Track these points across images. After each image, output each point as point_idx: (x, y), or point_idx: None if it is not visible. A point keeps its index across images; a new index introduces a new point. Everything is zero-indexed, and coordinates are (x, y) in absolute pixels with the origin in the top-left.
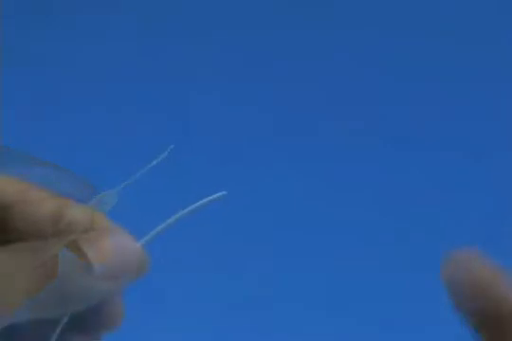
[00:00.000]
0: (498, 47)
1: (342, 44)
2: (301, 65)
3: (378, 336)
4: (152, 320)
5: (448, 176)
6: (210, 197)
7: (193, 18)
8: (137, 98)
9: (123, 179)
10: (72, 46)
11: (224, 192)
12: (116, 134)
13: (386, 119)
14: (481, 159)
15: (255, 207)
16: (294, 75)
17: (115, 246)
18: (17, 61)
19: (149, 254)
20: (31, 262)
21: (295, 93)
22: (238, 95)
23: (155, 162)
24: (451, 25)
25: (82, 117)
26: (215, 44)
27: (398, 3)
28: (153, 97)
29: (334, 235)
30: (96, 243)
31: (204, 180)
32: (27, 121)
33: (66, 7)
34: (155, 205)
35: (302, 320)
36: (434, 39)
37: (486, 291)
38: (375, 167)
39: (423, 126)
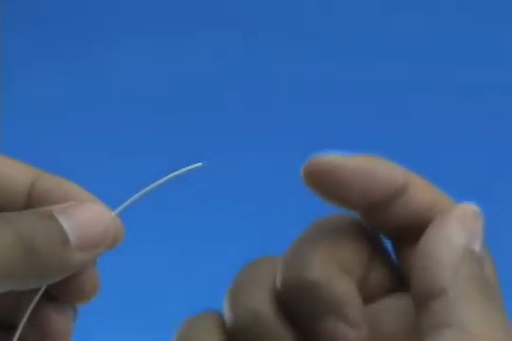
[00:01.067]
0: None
1: None
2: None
3: None
4: None
5: None
6: (186, 167)
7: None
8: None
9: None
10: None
11: (200, 163)
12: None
13: None
14: None
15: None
16: None
17: (90, 216)
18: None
19: (124, 223)
20: (5, 234)
21: None
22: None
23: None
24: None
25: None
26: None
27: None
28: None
29: None
30: (70, 214)
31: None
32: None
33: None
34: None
35: None
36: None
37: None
38: None
39: None
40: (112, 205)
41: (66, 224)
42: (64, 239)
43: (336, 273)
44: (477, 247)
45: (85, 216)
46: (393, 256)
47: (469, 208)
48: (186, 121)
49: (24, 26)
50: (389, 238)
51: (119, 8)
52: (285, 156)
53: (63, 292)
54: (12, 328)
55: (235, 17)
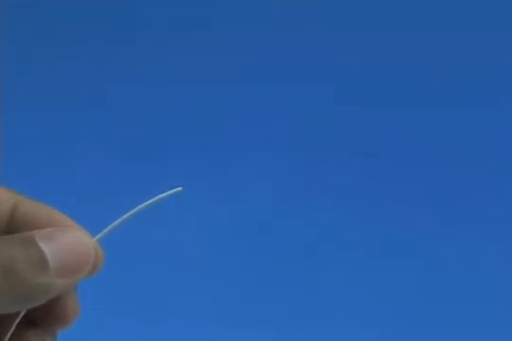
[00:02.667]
0: None
1: None
2: None
3: None
4: None
5: None
6: (166, 193)
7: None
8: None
9: None
10: None
11: (179, 188)
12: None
13: None
14: None
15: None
16: None
17: (70, 242)
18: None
19: (104, 250)
20: None
21: None
22: None
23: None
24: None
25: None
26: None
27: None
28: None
29: None
30: (51, 239)
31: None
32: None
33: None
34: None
35: None
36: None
37: None
38: None
39: None
40: (93, 230)
41: (47, 249)
42: (45, 264)
43: None
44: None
45: (66, 242)
46: None
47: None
48: None
49: (24, 26)
50: None
51: (119, 8)
52: None
53: (42, 317)
54: None
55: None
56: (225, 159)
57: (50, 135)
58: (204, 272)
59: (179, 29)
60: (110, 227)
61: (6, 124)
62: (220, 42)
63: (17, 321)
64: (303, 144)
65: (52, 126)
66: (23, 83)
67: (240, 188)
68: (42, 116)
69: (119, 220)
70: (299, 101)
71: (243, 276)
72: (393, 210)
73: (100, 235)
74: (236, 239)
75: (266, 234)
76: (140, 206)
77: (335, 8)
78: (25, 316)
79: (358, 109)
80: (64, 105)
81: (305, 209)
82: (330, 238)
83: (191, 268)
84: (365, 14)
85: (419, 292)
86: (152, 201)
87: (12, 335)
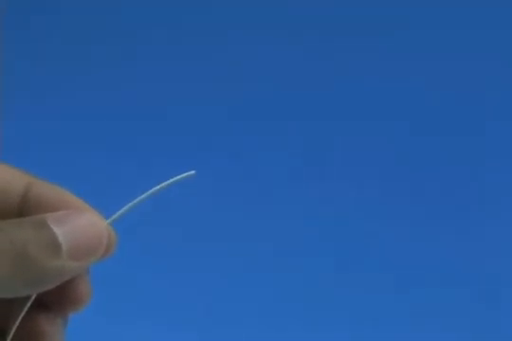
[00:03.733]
0: None
1: None
2: None
3: None
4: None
5: None
6: (178, 176)
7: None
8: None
9: None
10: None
11: (192, 172)
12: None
13: None
14: None
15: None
16: None
17: (83, 225)
18: None
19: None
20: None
21: None
22: None
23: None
24: None
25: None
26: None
27: None
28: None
29: None
30: (64, 222)
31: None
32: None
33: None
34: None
35: None
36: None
37: None
38: None
39: None
40: (106, 213)
41: (60, 232)
42: (57, 247)
43: None
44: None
45: (79, 225)
46: None
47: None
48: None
49: (24, 26)
50: None
51: (119, 8)
52: None
53: (54, 300)
54: (3, 335)
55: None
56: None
57: (50, 135)
58: (203, 272)
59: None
60: (123, 210)
61: (6, 124)
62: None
63: (29, 305)
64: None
65: (52, 125)
66: (23, 83)
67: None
68: (42, 116)
69: (133, 202)
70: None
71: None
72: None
73: (113, 217)
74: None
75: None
76: (153, 190)
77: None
78: (36, 300)
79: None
80: (64, 105)
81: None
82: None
83: (191, 268)
84: None
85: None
86: (164, 184)
87: (24, 319)
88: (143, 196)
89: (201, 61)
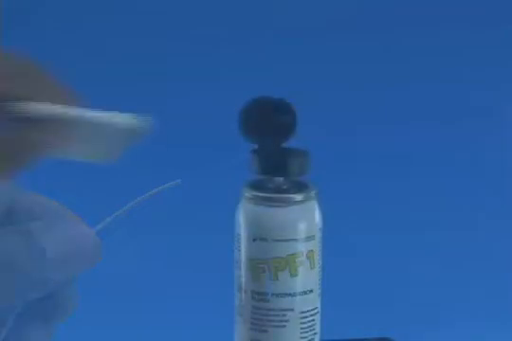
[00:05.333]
0: None
1: None
2: None
3: None
4: None
5: None
6: (165, 185)
7: None
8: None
9: None
10: None
11: (178, 180)
12: None
13: None
14: None
15: None
16: None
17: (69, 234)
18: None
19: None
20: None
21: None
22: None
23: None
24: None
25: None
26: None
27: None
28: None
29: None
30: (49, 231)
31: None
32: None
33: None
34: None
35: None
36: None
37: None
38: None
39: None
40: (91, 222)
41: (45, 241)
42: (43, 257)
43: None
44: None
45: (65, 234)
46: None
47: None
48: None
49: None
50: None
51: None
52: None
53: (40, 309)
54: None
55: None
56: None
57: None
58: (205, 272)
59: None
60: (109, 219)
61: None
62: None
63: (15, 313)
64: None
65: None
66: None
67: None
68: None
69: (119, 211)
70: None
71: None
72: None
73: (99, 227)
74: None
75: None
76: (139, 198)
77: None
78: (22, 308)
79: None
80: None
81: None
82: None
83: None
84: None
85: None
86: (150, 193)
87: (11, 327)
88: (130, 205)
89: None
